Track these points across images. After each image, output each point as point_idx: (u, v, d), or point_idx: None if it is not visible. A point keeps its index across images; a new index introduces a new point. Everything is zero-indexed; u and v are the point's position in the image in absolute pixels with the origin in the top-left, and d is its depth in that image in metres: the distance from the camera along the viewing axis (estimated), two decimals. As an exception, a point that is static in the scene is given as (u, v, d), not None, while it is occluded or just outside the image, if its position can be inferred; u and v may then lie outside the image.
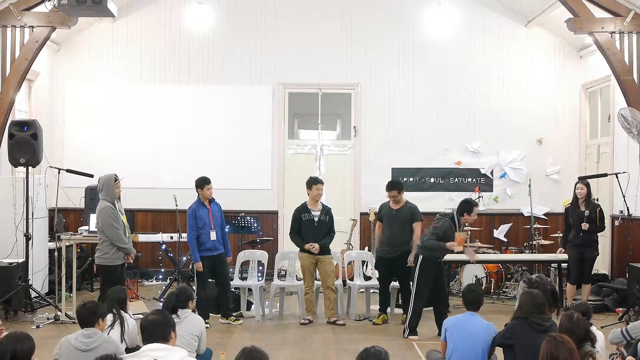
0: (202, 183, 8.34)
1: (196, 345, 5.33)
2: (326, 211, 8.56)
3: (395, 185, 8.47)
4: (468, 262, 9.99)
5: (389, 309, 8.57)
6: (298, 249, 8.59)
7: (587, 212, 8.63)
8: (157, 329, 4.11)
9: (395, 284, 8.56)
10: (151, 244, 10.85)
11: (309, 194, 8.57)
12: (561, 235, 9.47)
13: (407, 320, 7.62)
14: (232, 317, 8.31)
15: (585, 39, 10.52)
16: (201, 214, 8.25)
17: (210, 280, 8.65)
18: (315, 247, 8.34)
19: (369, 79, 11.77)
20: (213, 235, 8.23)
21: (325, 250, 8.47)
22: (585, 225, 8.58)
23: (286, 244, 11.59)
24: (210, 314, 8.54)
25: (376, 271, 8.82)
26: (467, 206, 7.57)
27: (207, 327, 7.54)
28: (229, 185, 11.42)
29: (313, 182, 8.56)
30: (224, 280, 8.37)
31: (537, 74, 11.78)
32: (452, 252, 7.54)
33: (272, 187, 11.76)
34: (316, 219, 8.46)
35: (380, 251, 8.47)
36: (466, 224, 10.15)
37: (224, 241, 8.42)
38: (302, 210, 8.54)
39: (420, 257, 7.56)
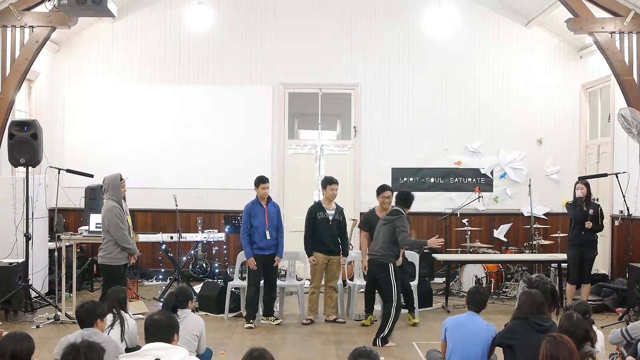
0: (258, 182, 8.33)
1: (196, 345, 5.33)
2: (340, 211, 8.55)
3: (389, 187, 8.60)
4: (468, 262, 10.05)
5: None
6: (299, 248, 8.58)
7: (591, 211, 8.63)
8: (161, 330, 4.11)
9: None
10: (151, 244, 10.85)
11: (323, 193, 8.56)
12: (566, 235, 9.36)
13: (387, 331, 7.28)
14: (272, 317, 8.30)
15: (585, 39, 10.51)
16: (256, 212, 8.22)
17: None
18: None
19: (369, 79, 11.76)
20: (268, 235, 8.21)
21: (335, 251, 8.49)
22: (588, 224, 8.57)
23: (286, 244, 11.55)
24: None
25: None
26: (407, 199, 7.64)
27: (251, 327, 7.72)
28: (229, 185, 11.46)
29: (327, 182, 8.52)
30: (271, 279, 8.34)
31: (537, 74, 11.78)
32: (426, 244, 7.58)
33: (272, 187, 11.68)
34: (331, 217, 8.43)
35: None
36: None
37: (278, 241, 8.35)
38: (317, 208, 8.50)
39: (391, 266, 7.41)
